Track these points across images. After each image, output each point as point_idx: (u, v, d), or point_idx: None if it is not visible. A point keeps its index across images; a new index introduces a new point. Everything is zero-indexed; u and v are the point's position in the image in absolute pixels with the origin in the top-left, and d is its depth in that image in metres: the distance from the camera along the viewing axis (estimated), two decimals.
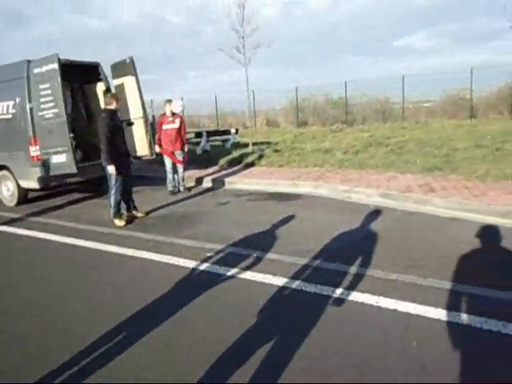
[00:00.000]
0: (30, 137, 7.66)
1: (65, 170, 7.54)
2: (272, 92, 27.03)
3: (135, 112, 8.71)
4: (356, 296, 3.62)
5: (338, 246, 4.91)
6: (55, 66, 7.21)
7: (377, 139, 13.41)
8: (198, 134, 14.49)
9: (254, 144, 15.04)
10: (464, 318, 3.15)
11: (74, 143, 7.52)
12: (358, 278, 3.98)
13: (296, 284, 3.91)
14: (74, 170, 7.49)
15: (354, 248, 4.78)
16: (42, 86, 7.41)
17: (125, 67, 8.52)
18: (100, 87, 9.06)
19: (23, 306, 3.86)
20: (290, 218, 6.12)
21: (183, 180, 8.58)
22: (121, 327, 3.32)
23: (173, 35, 62.72)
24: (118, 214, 6.47)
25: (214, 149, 14.55)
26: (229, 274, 4.26)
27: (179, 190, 8.53)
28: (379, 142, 12.47)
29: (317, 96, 25.40)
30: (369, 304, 3.47)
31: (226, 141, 15.36)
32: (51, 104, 7.38)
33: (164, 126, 8.27)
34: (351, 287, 3.78)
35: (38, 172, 7.70)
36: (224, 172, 9.97)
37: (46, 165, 7.63)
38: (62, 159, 7.49)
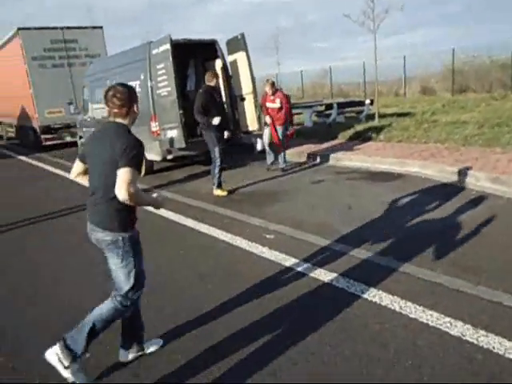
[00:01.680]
0: (151, 113, 8.41)
1: (176, 144, 8.16)
2: (430, 54, 24.83)
3: (246, 87, 8.94)
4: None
5: (399, 237, 4.45)
6: (167, 46, 7.75)
7: None
8: (329, 106, 14.16)
9: (385, 116, 14.16)
10: None
11: (183, 119, 8.01)
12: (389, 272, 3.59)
13: (343, 280, 3.70)
14: (183, 144, 8.08)
15: (414, 243, 4.28)
16: (158, 66, 8.06)
17: (237, 43, 8.75)
18: (218, 64, 9.45)
19: None
20: (376, 201, 5.73)
21: (284, 157, 8.44)
22: None
23: None
24: (220, 185, 6.88)
25: (347, 120, 14.13)
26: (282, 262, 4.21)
27: (281, 167, 8.47)
28: None
29: (481, 57, 22.41)
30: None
31: (360, 112, 14.71)
32: (165, 83, 8.00)
33: (267, 104, 8.28)
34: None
35: (157, 145, 8.48)
36: (338, 147, 9.63)
37: (163, 139, 8.34)
38: (173, 134, 8.14)
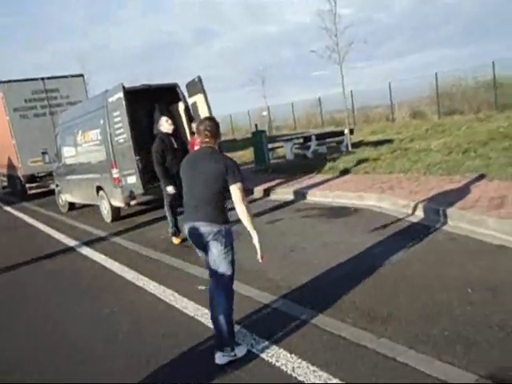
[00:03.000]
0: (112, 160, 8.42)
1: (135, 190, 8.11)
2: (418, 79, 24.95)
3: None
4: None
5: (322, 283, 4.27)
6: (120, 94, 7.81)
7: (511, 130, 11.22)
8: (307, 139, 14.16)
9: (367, 144, 14.11)
10: None
11: (140, 165, 7.99)
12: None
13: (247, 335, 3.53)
14: (141, 190, 8.03)
15: (335, 289, 4.10)
16: (114, 114, 8.11)
17: (195, 86, 8.80)
18: (180, 106, 9.50)
19: None
20: (320, 242, 5.59)
21: None
22: None
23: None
24: (175, 232, 6.67)
25: (329, 150, 14.12)
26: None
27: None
28: (508, 135, 10.41)
29: (466, 79, 22.45)
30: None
31: (341, 142, 14.69)
32: (121, 130, 8.02)
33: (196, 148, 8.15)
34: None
35: (119, 192, 8.44)
36: (306, 182, 9.51)
37: (124, 185, 8.31)
38: (132, 180, 8.08)
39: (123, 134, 7.99)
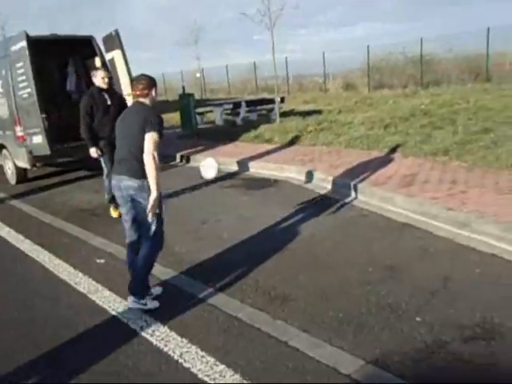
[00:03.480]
0: (15, 117, 7.62)
1: (41, 151, 7.43)
2: (352, 51, 25.18)
3: (126, 87, 8.30)
4: None
5: (230, 259, 4.10)
6: (23, 43, 7.01)
7: (431, 107, 11.57)
8: (237, 105, 13.80)
9: (297, 114, 14.03)
10: None
11: (46, 123, 7.30)
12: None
13: (135, 312, 3.27)
14: (47, 151, 7.37)
15: (239, 265, 3.95)
16: (17, 65, 7.29)
17: (112, 40, 8.11)
18: (97, 62, 8.75)
19: None
20: (235, 214, 5.43)
21: None
22: None
23: None
24: (111, 203, 5.63)
25: (259, 118, 13.88)
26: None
27: None
28: (428, 112, 10.72)
29: (396, 54, 22.97)
30: None
31: (271, 110, 14.46)
32: (25, 83, 7.25)
33: None
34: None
35: (24, 152, 7.69)
36: (231, 149, 9.25)
37: (29, 145, 7.58)
38: (38, 140, 7.39)
39: (27, 89, 7.23)
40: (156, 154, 3.04)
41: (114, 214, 5.66)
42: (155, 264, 3.80)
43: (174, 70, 33.81)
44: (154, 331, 3.00)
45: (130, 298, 3.30)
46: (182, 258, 4.20)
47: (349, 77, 26.34)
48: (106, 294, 3.62)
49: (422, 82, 19.92)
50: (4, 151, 8.40)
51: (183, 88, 14.17)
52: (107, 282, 3.80)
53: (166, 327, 3.03)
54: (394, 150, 7.14)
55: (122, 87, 8.24)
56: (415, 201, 4.75)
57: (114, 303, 3.43)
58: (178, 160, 9.30)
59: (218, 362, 2.62)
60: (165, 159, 8.56)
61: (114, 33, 7.98)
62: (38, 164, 7.82)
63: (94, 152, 5.59)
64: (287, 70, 25.47)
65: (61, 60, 9.31)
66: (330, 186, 6.00)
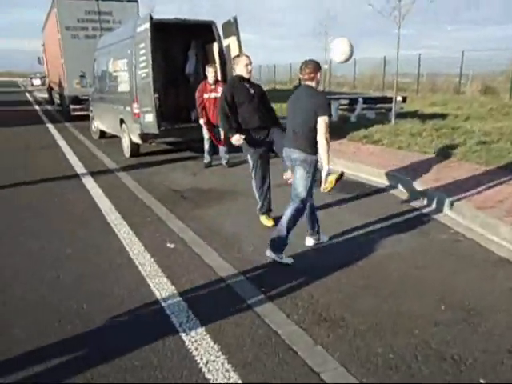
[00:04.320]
0: (134, 94, 8.14)
1: (150, 129, 7.85)
2: (496, 51, 22.72)
3: None
4: None
5: (294, 265, 3.88)
6: (147, 25, 7.39)
7: None
8: (354, 101, 13.25)
9: (419, 116, 13.03)
10: None
11: (157, 103, 7.67)
12: None
13: (182, 312, 3.27)
14: (156, 130, 7.76)
15: (297, 272, 3.70)
16: (140, 45, 7.73)
17: (230, 27, 8.24)
18: (215, 48, 8.98)
19: None
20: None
21: (225, 152, 7.79)
22: None
23: None
24: (262, 210, 5.03)
25: (378, 117, 13.22)
26: None
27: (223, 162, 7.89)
28: None
29: None
30: None
31: (391, 109, 13.64)
32: (144, 64, 7.67)
33: (205, 95, 7.52)
34: None
35: (138, 128, 8.21)
36: (332, 147, 8.87)
37: (142, 122, 8.07)
38: (149, 118, 7.81)
39: (145, 69, 7.65)
40: (327, 136, 3.64)
41: (267, 222, 4.95)
42: (218, 257, 3.94)
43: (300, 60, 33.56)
44: (190, 330, 2.93)
45: (269, 250, 3.89)
46: (247, 257, 4.09)
47: (489, 80, 23.88)
48: (163, 280, 3.64)
49: None
50: (124, 125, 9.04)
51: (299, 79, 13.92)
52: (169, 269, 3.84)
53: (203, 328, 2.94)
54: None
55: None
56: None
57: (166, 292, 3.43)
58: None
59: (240, 381, 2.45)
60: None
61: (232, 19, 8.06)
62: (149, 141, 8.28)
63: (237, 139, 4.77)
64: (419, 67, 23.76)
65: (183, 43, 9.71)
66: (426, 201, 5.41)
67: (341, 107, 13.83)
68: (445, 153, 7.48)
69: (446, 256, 4.03)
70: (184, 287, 3.51)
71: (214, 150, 7.91)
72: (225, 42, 8.54)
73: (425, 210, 5.27)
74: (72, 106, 14.99)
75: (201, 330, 2.93)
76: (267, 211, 5.00)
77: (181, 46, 9.81)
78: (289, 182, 4.18)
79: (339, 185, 4.24)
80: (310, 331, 2.91)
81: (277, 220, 4.80)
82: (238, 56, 5.09)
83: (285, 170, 4.30)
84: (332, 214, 5.23)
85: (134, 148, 8.90)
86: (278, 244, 3.86)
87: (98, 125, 11.36)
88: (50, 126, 14.34)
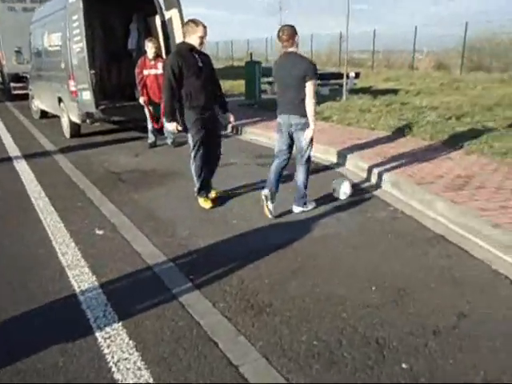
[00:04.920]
0: (69, 71, 7.65)
1: (88, 107, 7.42)
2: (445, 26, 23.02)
3: None
4: None
5: (223, 251, 3.71)
6: None
7: None
8: None
9: (372, 92, 13.02)
10: None
11: (94, 81, 7.24)
12: None
13: (94, 305, 3.04)
14: (93, 109, 7.34)
15: (226, 258, 3.54)
16: (73, 17, 7.24)
17: None
18: (157, 21, 8.53)
19: None
20: (248, 197, 4.96)
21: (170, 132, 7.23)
22: None
23: None
24: (202, 191, 4.75)
25: (331, 93, 13.12)
26: None
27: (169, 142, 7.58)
28: None
29: (500, 35, 20.56)
30: None
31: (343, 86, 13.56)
32: (78, 37, 7.21)
33: (145, 72, 7.16)
34: None
35: (75, 107, 7.75)
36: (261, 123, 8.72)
37: (79, 101, 7.61)
38: (87, 96, 7.37)
39: (80, 43, 7.19)
40: (315, 99, 3.97)
41: (205, 205, 4.70)
42: (149, 243, 3.78)
43: (260, 37, 33.09)
44: (105, 326, 2.71)
45: (296, 207, 4.41)
46: (179, 242, 3.89)
47: (443, 56, 24.24)
48: (85, 271, 3.40)
49: None
50: (62, 104, 8.54)
51: (251, 55, 13.64)
52: (92, 258, 3.60)
53: (120, 323, 2.74)
54: (457, 143, 6.22)
55: None
56: (458, 209, 4.01)
57: (85, 284, 3.20)
58: (229, 130, 8.94)
59: (151, 380, 2.27)
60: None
61: None
62: (88, 120, 7.83)
63: (173, 128, 4.51)
64: (374, 43, 23.81)
65: (125, 17, 9.20)
66: (365, 175, 5.37)
67: None
68: (392, 128, 7.44)
69: (382, 235, 3.95)
70: (106, 278, 3.28)
71: (159, 130, 7.58)
72: (167, 15, 8.10)
73: (367, 187, 5.19)
74: (12, 85, 14.16)
75: (117, 325, 2.72)
76: (207, 194, 4.78)
77: (122, 20, 9.30)
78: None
79: None
80: (234, 320, 2.75)
81: (219, 200, 4.63)
82: (193, 23, 4.31)
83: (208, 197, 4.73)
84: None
85: (74, 128, 8.44)
86: (302, 199, 4.36)
87: (37, 104, 10.74)
88: None
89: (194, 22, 4.35)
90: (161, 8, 8.26)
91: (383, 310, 2.83)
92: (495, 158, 5.49)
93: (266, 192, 4.27)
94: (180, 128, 4.52)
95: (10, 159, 6.88)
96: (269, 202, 4.26)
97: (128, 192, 5.26)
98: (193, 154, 4.65)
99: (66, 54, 7.64)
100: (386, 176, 5.10)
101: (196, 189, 4.75)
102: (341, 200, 4.80)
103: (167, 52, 8.22)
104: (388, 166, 5.41)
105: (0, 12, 13.35)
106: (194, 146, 4.60)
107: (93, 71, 7.23)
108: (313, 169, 5.46)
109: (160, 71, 6.94)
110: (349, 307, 2.86)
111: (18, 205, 4.90)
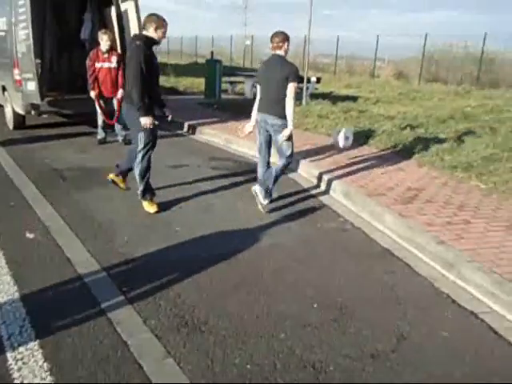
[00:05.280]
0: (14, 58, 7.18)
1: (32, 99, 6.99)
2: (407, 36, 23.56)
3: None
4: None
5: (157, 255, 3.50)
6: None
7: (476, 111, 10.41)
8: None
9: (332, 97, 13.05)
10: None
11: (39, 70, 6.82)
12: None
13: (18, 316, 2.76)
14: (38, 100, 6.92)
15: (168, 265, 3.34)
16: (19, 2, 6.79)
17: None
18: (113, 13, 8.16)
19: None
20: (196, 201, 4.77)
21: (122, 129, 7.02)
22: None
23: None
24: (147, 195, 4.54)
25: None
26: None
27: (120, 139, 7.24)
28: (470, 116, 9.61)
29: (456, 48, 21.24)
30: None
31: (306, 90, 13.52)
32: (24, 24, 6.78)
33: (97, 65, 6.86)
34: None
35: (20, 98, 7.29)
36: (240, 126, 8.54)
37: (24, 91, 7.15)
38: (32, 87, 6.94)
39: (25, 29, 6.77)
40: (294, 99, 4.12)
41: (150, 208, 4.47)
42: (83, 250, 3.55)
43: (223, 34, 32.79)
44: (20, 345, 2.45)
45: (261, 195, 4.42)
46: (117, 249, 3.65)
47: (403, 65, 24.83)
48: (6, 280, 3.10)
49: (478, 82, 18.29)
50: (5, 93, 8.03)
51: (211, 53, 13.41)
52: (18, 266, 3.31)
53: (36, 342, 2.48)
54: (410, 155, 6.25)
55: None
56: (406, 223, 3.97)
57: (4, 295, 2.91)
58: (185, 129, 8.70)
59: None
60: (171, 127, 8.05)
61: None
62: (33, 112, 7.39)
63: (150, 121, 4.22)
64: (337, 50, 24.07)
65: (79, 5, 8.78)
66: (316, 182, 5.29)
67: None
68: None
69: (329, 247, 3.86)
70: (29, 289, 3.00)
71: (109, 126, 7.24)
72: (122, 7, 7.77)
73: (319, 196, 5.12)
74: None
75: (33, 343, 2.47)
76: (151, 197, 4.55)
77: (76, 8, 8.86)
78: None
79: None
80: (165, 339, 2.56)
81: (163, 205, 4.42)
82: (155, 16, 4.21)
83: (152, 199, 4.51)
84: (225, 200, 4.91)
85: (18, 119, 7.95)
86: (268, 191, 4.43)
87: None
88: None
89: (158, 16, 4.22)
90: (117, 0, 7.91)
91: (323, 329, 2.71)
92: (445, 172, 5.52)
93: (256, 188, 4.45)
94: (157, 123, 4.33)
95: None
96: (260, 197, 4.40)
97: (68, 191, 4.95)
98: (142, 155, 4.43)
99: (12, 40, 7.17)
100: (337, 185, 5.03)
101: (140, 191, 4.52)
102: (291, 208, 4.68)
103: (122, 45, 7.89)
104: (341, 175, 5.36)
105: None
106: (146, 145, 4.38)
107: (39, 60, 6.82)
108: None
109: (113, 65, 6.67)
110: (288, 326, 2.73)
111: None
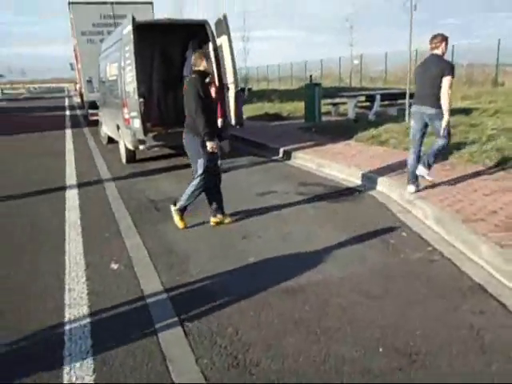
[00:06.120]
0: (123, 99, 7.91)
1: (138, 135, 7.58)
2: None
3: (230, 76, 8.04)
4: None
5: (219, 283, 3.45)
6: (130, 27, 7.12)
7: None
8: (371, 97, 12.55)
9: None
10: None
11: (142, 108, 7.39)
12: None
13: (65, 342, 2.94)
14: (141, 136, 7.48)
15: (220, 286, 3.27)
16: (126, 48, 7.48)
17: (221, 26, 7.85)
18: (210, 48, 8.61)
19: None
20: (274, 231, 4.69)
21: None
22: None
23: None
24: (183, 211, 4.95)
25: (400, 113, 12.49)
26: None
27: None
28: None
29: None
30: None
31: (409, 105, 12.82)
32: (130, 67, 7.41)
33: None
34: None
35: (129, 134, 7.98)
36: (337, 150, 8.36)
37: (132, 128, 7.82)
38: (137, 124, 7.55)
39: (131, 72, 7.39)
40: (450, 91, 4.68)
41: (180, 224, 4.91)
42: (158, 282, 3.63)
43: (328, 57, 32.73)
44: (75, 365, 2.58)
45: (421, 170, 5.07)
46: (186, 280, 3.70)
47: None
48: (82, 311, 3.30)
49: None
50: (119, 131, 8.85)
51: (310, 77, 13.38)
52: (96, 296, 3.51)
53: (90, 359, 2.59)
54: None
55: (227, 74, 7.97)
56: (505, 255, 3.41)
57: (74, 324, 3.08)
58: (280, 155, 8.73)
59: None
60: (268, 153, 8.16)
61: (222, 17, 7.68)
62: (141, 147, 8.00)
63: (213, 146, 4.58)
64: (453, 57, 22.44)
65: (182, 45, 9.41)
66: (409, 207, 4.87)
67: (360, 105, 13.17)
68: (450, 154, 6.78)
69: (410, 281, 3.47)
70: (99, 320, 3.15)
71: None
72: (218, 41, 8.15)
73: (408, 222, 4.68)
74: (90, 111, 15.04)
75: (87, 361, 2.59)
76: (182, 215, 4.92)
77: (179, 48, 9.51)
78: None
79: None
80: (211, 381, 2.47)
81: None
82: (198, 53, 4.79)
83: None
84: (305, 228, 4.75)
85: (130, 154, 8.68)
86: (424, 166, 5.06)
87: (105, 130, 11.27)
88: (68, 132, 14.51)
89: (198, 53, 4.75)
90: (213, 35, 8.32)
91: (384, 379, 2.40)
92: None
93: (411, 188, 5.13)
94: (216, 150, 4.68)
95: (63, 187, 7.12)
96: (422, 170, 5.05)
97: (158, 222, 5.19)
98: (199, 179, 4.76)
99: (121, 82, 7.91)
100: (429, 208, 4.57)
101: (179, 205, 4.88)
102: (374, 234, 4.37)
103: (219, 77, 8.24)
104: (435, 196, 4.87)
105: (80, 44, 14.28)
106: (204, 172, 4.72)
107: (142, 99, 7.37)
108: (349, 199, 5.14)
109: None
110: (345, 373, 2.47)
111: (51, 234, 5.00)
